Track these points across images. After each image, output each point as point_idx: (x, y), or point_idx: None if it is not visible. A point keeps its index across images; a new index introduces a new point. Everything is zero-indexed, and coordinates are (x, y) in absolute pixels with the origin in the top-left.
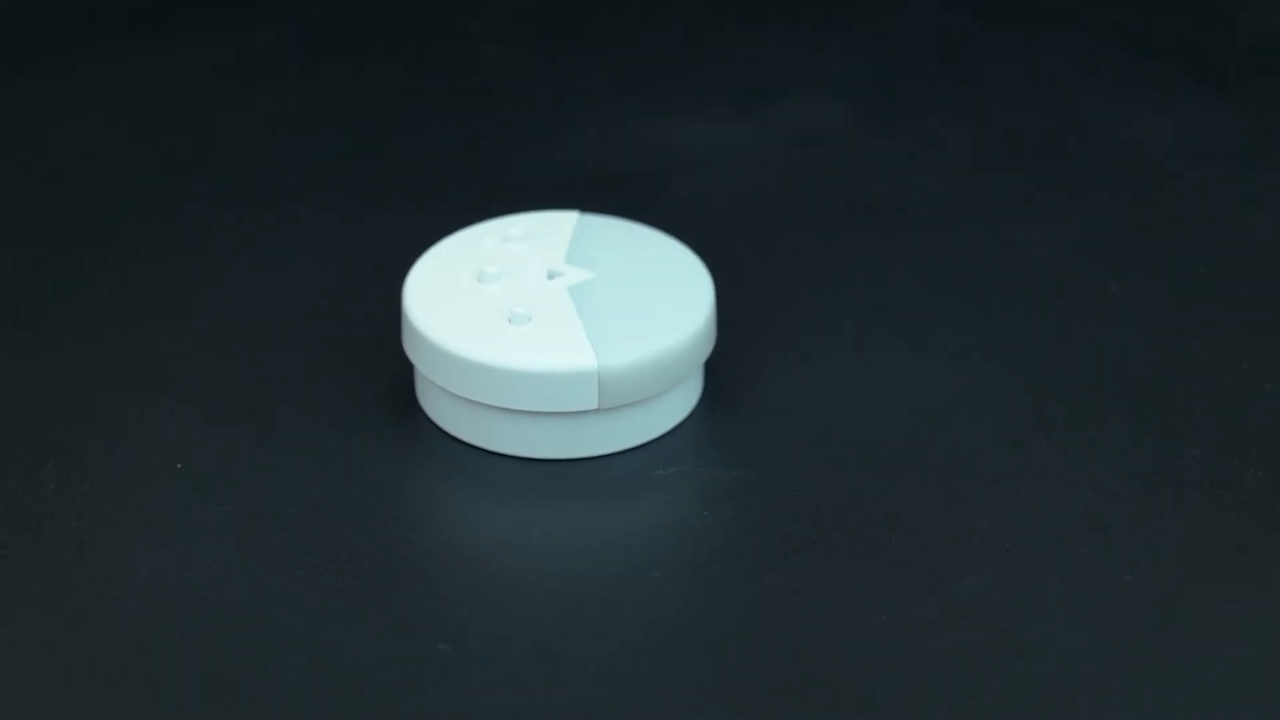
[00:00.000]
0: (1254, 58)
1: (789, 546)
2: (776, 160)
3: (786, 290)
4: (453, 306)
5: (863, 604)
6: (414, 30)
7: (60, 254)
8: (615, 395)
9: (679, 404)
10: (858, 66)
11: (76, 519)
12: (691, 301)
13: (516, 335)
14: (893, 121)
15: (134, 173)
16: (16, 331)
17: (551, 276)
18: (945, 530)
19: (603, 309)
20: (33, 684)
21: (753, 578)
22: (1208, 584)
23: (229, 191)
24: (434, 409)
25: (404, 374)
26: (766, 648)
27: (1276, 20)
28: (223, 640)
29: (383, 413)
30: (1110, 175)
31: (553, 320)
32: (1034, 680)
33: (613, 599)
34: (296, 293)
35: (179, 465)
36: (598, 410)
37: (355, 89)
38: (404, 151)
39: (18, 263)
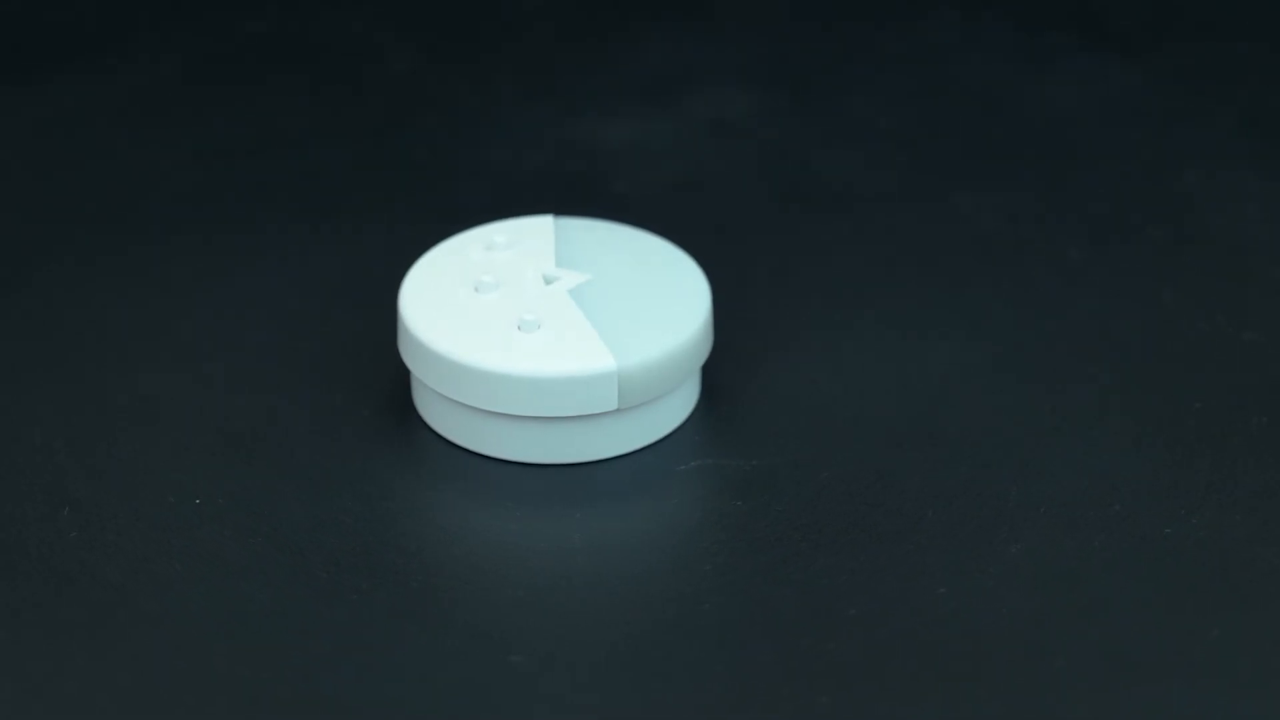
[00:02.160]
0: (1148, 20)
1: (832, 529)
2: (703, 150)
3: (755, 279)
4: (458, 319)
5: (920, 579)
6: (311, 50)
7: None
8: (633, 395)
9: (682, 402)
10: (760, 54)
11: (109, 566)
12: (691, 296)
13: (530, 343)
14: (806, 105)
15: (72, 211)
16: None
17: (549, 281)
18: (978, 500)
19: (607, 310)
20: None
21: (806, 562)
22: (1244, 529)
23: (177, 220)
24: (442, 422)
25: (398, 388)
26: (839, 627)
27: None
28: (291, 670)
29: (389, 430)
30: (1034, 142)
31: (562, 325)
32: (1108, 638)
33: (679, 594)
34: (276, 317)
35: (197, 501)
36: (613, 412)
37: (264, 114)
38: (333, 170)
39: None
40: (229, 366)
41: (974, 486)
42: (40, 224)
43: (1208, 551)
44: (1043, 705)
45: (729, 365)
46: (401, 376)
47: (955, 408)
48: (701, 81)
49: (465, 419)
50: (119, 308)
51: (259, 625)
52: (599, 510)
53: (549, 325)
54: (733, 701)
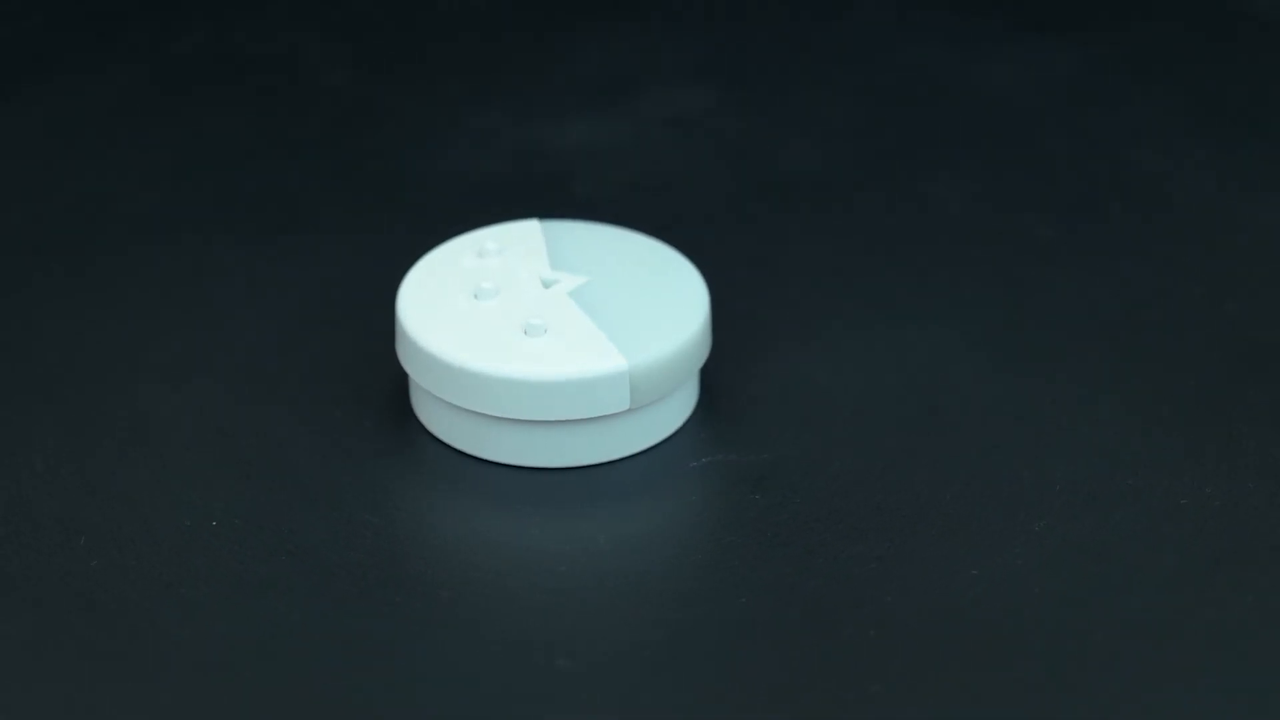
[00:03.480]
0: (1075, 2)
1: (852, 518)
2: (662, 148)
3: (737, 276)
4: (463, 327)
5: (949, 562)
6: (244, 67)
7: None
8: (644, 394)
9: (684, 400)
10: (703, 52)
11: (136, 593)
12: (690, 293)
13: (538, 347)
14: (757, 100)
15: (31, 236)
16: None
17: (547, 285)
18: (993, 482)
19: (609, 311)
20: None
21: (833, 552)
22: (1259, 496)
23: (140, 240)
24: (448, 429)
25: (395, 397)
26: (878, 614)
27: None
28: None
29: (393, 440)
30: (985, 126)
31: (567, 327)
32: (1145, 610)
33: (714, 591)
34: (263, 332)
35: (214, 523)
36: (622, 413)
37: (210, 132)
38: (289, 185)
39: None
40: (222, 384)
41: (985, 469)
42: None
43: (1227, 521)
44: (1094, 680)
45: (723, 362)
46: (398, 386)
47: (953, 392)
48: (649, 81)
49: (473, 425)
50: (100, 328)
51: (297, 644)
52: (619, 511)
53: (555, 329)
54: (786, 694)
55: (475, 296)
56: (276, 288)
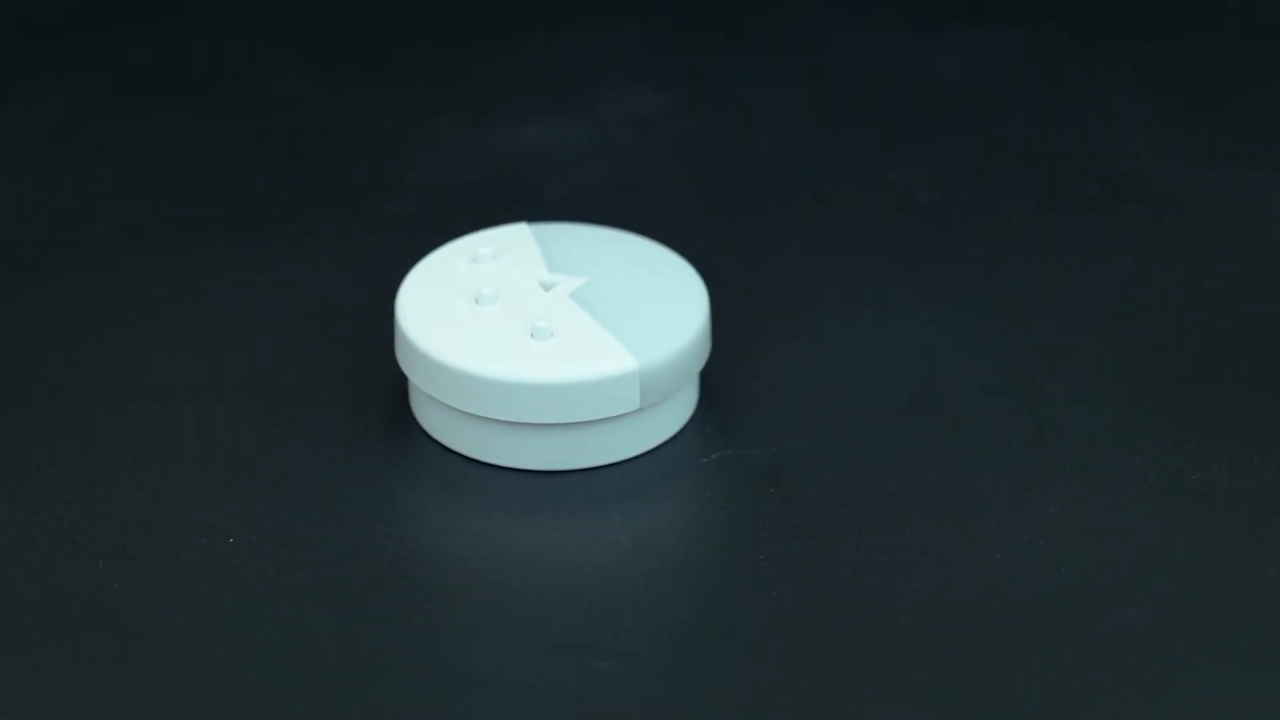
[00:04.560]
0: None
1: (868, 507)
2: (624, 148)
3: (720, 272)
4: (467, 332)
5: (971, 546)
6: (197, 80)
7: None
8: (653, 393)
9: (687, 398)
10: (653, 51)
11: (164, 613)
12: (689, 291)
13: (548, 349)
14: (712, 96)
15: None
16: None
17: (547, 288)
18: (1002, 468)
19: (611, 311)
20: None
21: (855, 541)
22: (1265, 468)
23: (112, 258)
24: (454, 436)
25: (395, 405)
26: (908, 601)
27: None
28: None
29: (398, 449)
30: (938, 112)
31: (573, 329)
32: (1171, 585)
33: (743, 585)
34: (252, 345)
35: (230, 540)
36: (632, 413)
37: (169, 146)
38: (256, 197)
39: None
40: (217, 399)
41: (992, 455)
42: None
43: (1238, 494)
44: (1135, 656)
45: (718, 359)
46: (396, 393)
47: (949, 380)
48: (602, 82)
49: (482, 430)
50: (90, 349)
51: (333, 658)
52: (636, 511)
53: (561, 331)
54: (834, 686)
55: (476, 302)
56: (264, 301)
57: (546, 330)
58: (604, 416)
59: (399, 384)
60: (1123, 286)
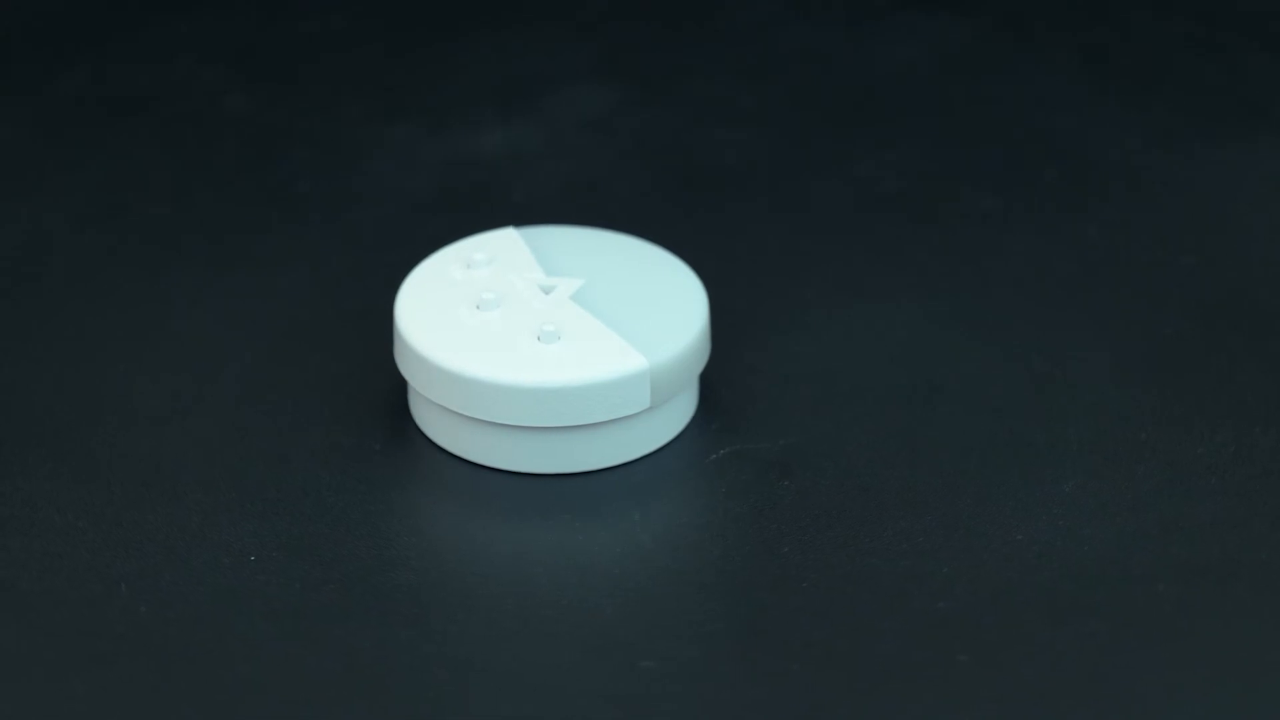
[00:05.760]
0: None
1: (885, 495)
2: (581, 148)
3: (703, 268)
4: (474, 339)
5: (992, 527)
6: (139, 101)
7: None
8: (662, 392)
9: (689, 396)
10: (597, 49)
11: (197, 637)
12: (687, 288)
13: (557, 352)
14: (662, 93)
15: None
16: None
17: (547, 291)
18: (1010, 449)
19: (614, 311)
20: None
21: (876, 529)
22: (1269, 439)
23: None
24: (463, 443)
25: (395, 415)
26: (941, 586)
27: None
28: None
29: (404, 460)
30: (890, 100)
31: (580, 331)
32: (1196, 557)
33: (773, 578)
34: (242, 364)
35: (252, 558)
36: (637, 414)
37: (122, 170)
38: (220, 216)
39: None
40: (214, 418)
41: (998, 437)
42: None
43: (1248, 464)
44: (1172, 625)
45: (713, 355)
46: (393, 402)
47: (943, 365)
48: (551, 83)
49: (490, 437)
50: (81, 375)
51: (374, 670)
52: (654, 509)
53: (568, 334)
54: (882, 673)
55: (478, 307)
56: (246, 319)
57: (554, 333)
58: (616, 417)
59: (396, 392)
60: (1098, 264)
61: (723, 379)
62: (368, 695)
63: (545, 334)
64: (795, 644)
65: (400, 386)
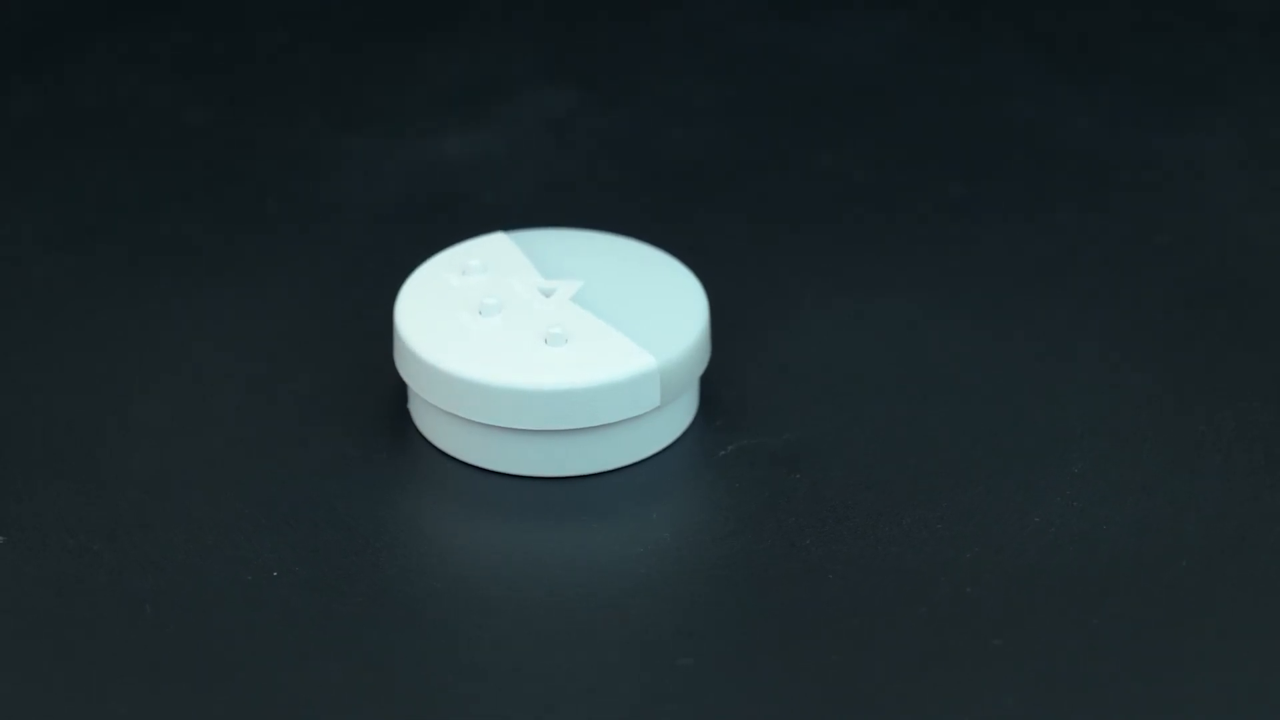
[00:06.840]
0: None
1: (896, 486)
2: (547, 150)
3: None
4: (479, 345)
5: (1008, 512)
6: (95, 120)
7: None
8: (671, 390)
9: (690, 394)
10: (553, 51)
11: (230, 654)
12: (685, 286)
13: (565, 355)
14: (619, 94)
15: None
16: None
17: (547, 294)
18: (1014, 435)
19: (616, 312)
20: None
21: (893, 519)
22: (1264, 414)
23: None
24: (470, 449)
25: (396, 423)
26: (966, 572)
27: None
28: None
29: (411, 469)
30: (849, 92)
31: (586, 333)
32: (1215, 536)
33: (798, 572)
34: (236, 382)
35: (275, 574)
36: (646, 413)
37: (86, 190)
38: (192, 233)
39: None
40: (216, 432)
41: (1001, 424)
42: None
43: (1256, 441)
44: (1195, 604)
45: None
46: (393, 409)
47: (937, 354)
48: (510, 86)
49: (500, 441)
50: (77, 393)
51: (413, 678)
52: (669, 507)
53: (575, 336)
54: (918, 662)
55: (480, 313)
56: (232, 334)
57: (561, 336)
58: (627, 417)
59: (396, 399)
60: (1075, 247)
61: (720, 377)
62: (407, 703)
63: (552, 337)
64: (826, 637)
65: (398, 392)
